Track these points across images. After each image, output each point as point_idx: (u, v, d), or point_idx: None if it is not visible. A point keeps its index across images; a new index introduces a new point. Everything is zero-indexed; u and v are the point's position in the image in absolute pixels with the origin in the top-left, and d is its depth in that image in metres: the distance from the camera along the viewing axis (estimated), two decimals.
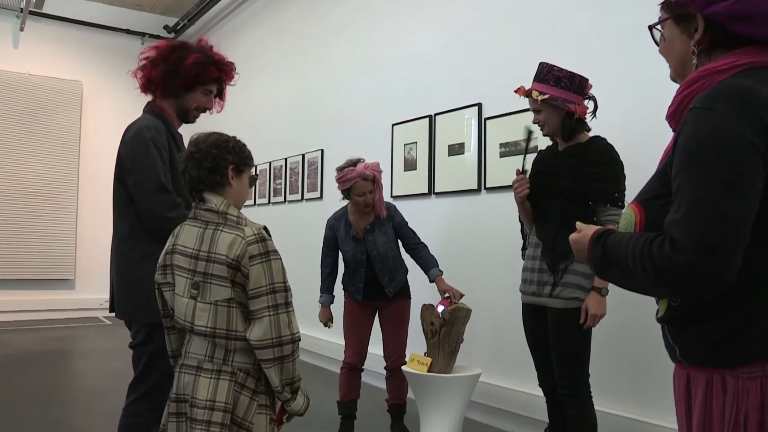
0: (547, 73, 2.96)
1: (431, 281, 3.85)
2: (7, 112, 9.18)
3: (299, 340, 2.09)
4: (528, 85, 3.04)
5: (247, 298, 2.03)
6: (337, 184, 3.96)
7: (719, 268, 1.19)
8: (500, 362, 4.25)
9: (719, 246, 1.19)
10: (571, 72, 2.96)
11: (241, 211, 2.17)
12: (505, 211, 4.17)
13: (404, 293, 4.02)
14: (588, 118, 3.02)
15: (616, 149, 2.95)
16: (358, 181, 3.82)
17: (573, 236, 1.53)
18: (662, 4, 1.48)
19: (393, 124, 5.47)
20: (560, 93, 2.92)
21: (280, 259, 2.09)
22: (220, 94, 2.97)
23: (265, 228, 2.11)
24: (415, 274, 4.09)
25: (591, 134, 3.06)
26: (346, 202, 4.02)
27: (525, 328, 3.12)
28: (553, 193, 2.97)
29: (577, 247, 1.50)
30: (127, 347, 2.67)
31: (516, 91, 3.09)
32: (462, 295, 3.70)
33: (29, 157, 9.27)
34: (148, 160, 2.57)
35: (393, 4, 5.70)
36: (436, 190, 4.95)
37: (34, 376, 5.70)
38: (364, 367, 4.00)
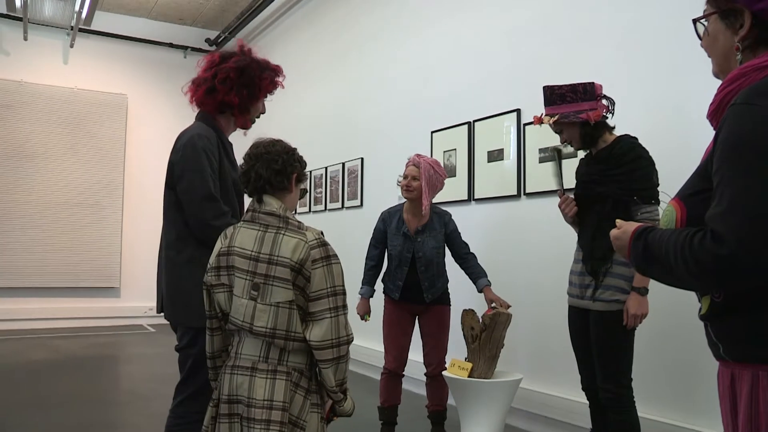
0: (551, 96, 3.08)
1: (479, 291, 3.86)
2: (56, 125, 9.48)
3: (352, 341, 2.15)
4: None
5: (305, 300, 2.08)
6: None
7: (761, 261, 1.20)
8: (542, 368, 4.23)
9: (762, 240, 1.19)
10: (570, 85, 3.04)
11: None
12: (545, 216, 4.17)
13: (444, 300, 4.03)
14: (608, 118, 3.05)
15: (646, 147, 2.96)
16: (409, 165, 3.95)
17: (614, 232, 1.54)
18: None
19: (432, 131, 5.50)
20: (568, 107, 3.00)
21: (340, 263, 2.15)
22: None
23: (321, 233, 2.17)
24: (457, 283, 4.10)
25: (624, 132, 3.09)
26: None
27: (570, 330, 3.14)
28: (588, 200, 3.03)
29: (618, 244, 1.52)
30: (171, 353, 2.74)
31: (533, 123, 3.23)
32: (509, 306, 3.70)
33: (76, 168, 9.56)
34: (198, 168, 2.62)
35: (430, 10, 5.75)
36: (476, 197, 4.97)
37: (82, 379, 5.85)
38: (404, 373, 4.02)
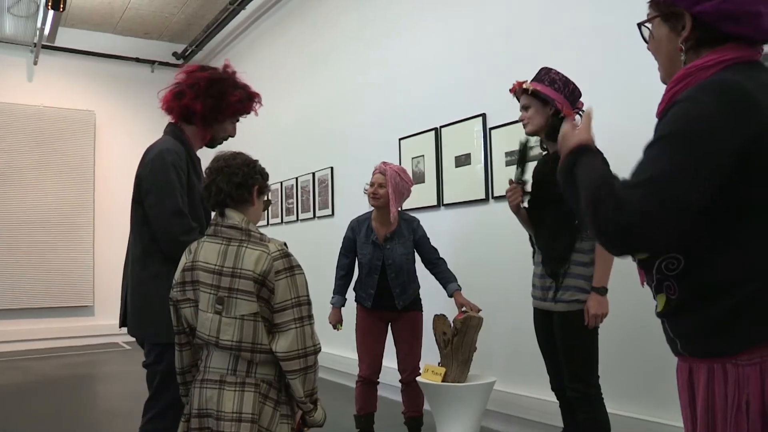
0: (544, 75, 3.05)
1: (450, 296, 3.88)
2: (23, 144, 9.35)
3: (320, 351, 2.16)
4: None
5: (270, 312, 2.09)
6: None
7: (651, 241, 1.28)
8: (515, 369, 4.27)
9: (659, 223, 1.24)
10: (566, 77, 3.02)
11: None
12: (514, 219, 4.19)
13: (416, 306, 4.04)
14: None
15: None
16: (375, 173, 3.98)
17: (565, 129, 1.55)
18: (650, 2, 1.51)
19: (400, 138, 5.53)
20: (551, 93, 2.98)
21: (303, 273, 2.16)
22: None
23: (284, 244, 2.18)
24: (429, 289, 4.12)
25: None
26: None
27: (536, 332, 3.16)
28: (545, 201, 3.03)
29: (561, 142, 1.54)
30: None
31: (511, 90, 3.16)
32: (479, 310, 3.72)
33: (46, 187, 9.43)
34: (166, 183, 2.60)
35: (394, 20, 5.79)
36: (445, 202, 5.00)
37: (57, 401, 5.77)
38: (379, 380, 4.03)
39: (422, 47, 5.39)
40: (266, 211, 8.08)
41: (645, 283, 1.50)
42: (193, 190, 2.70)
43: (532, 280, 3.16)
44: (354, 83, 6.39)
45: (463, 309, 3.70)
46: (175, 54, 10.46)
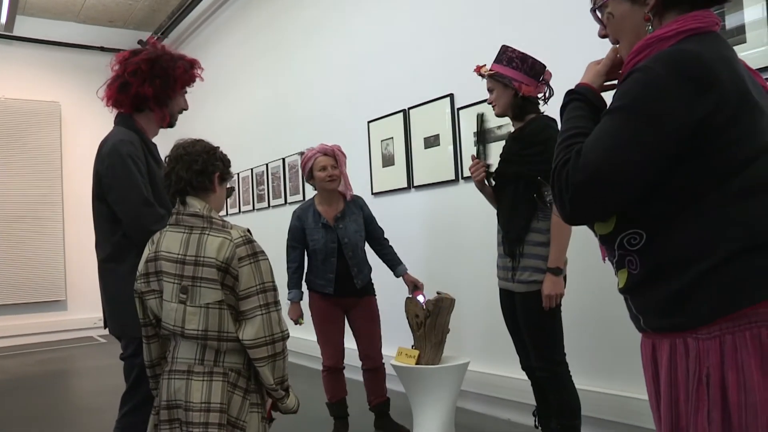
0: (502, 54, 3.03)
1: (398, 276, 3.91)
2: None
3: (288, 337, 2.14)
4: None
5: (236, 299, 2.06)
6: (300, 172, 3.96)
7: (599, 203, 1.33)
8: (489, 349, 4.29)
9: (608, 186, 1.30)
10: (524, 53, 2.99)
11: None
12: (483, 200, 4.20)
13: (370, 290, 4.01)
14: (540, 103, 3.07)
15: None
16: (318, 156, 3.87)
17: (589, 64, 1.60)
18: None
19: (368, 121, 5.50)
20: (510, 72, 2.97)
21: (267, 259, 2.13)
22: None
23: (248, 230, 2.15)
24: (377, 271, 4.11)
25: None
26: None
27: (503, 312, 3.18)
28: (505, 179, 3.05)
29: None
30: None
31: (474, 70, 3.15)
32: (422, 284, 3.81)
33: (12, 181, 9.24)
34: (127, 176, 2.56)
35: (360, 1, 5.72)
36: (415, 184, 4.99)
37: (31, 398, 5.69)
38: (345, 364, 4.00)
39: (388, 27, 5.34)
40: (238, 199, 8.00)
41: (606, 259, 1.49)
42: (155, 177, 2.65)
43: (496, 261, 3.17)
44: (321, 66, 6.32)
45: (437, 291, 3.70)
46: (140, 42, 10.23)
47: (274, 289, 2.11)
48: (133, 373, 2.60)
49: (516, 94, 2.97)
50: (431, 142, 4.80)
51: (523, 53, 2.99)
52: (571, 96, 1.52)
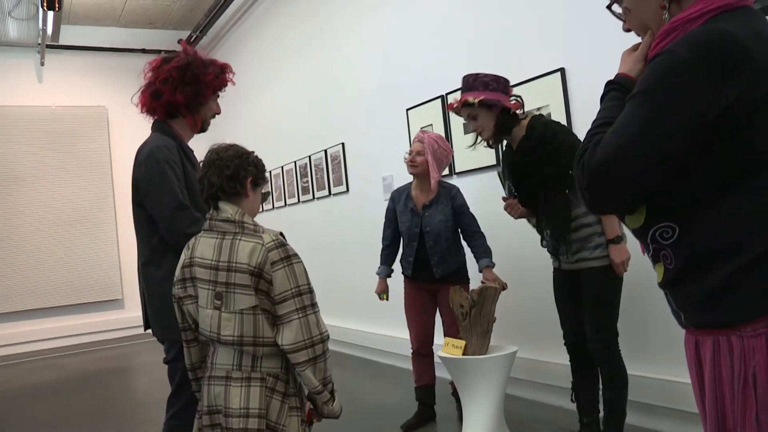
0: (474, 82, 3.18)
1: (480, 271, 3.85)
2: (39, 145, 9.44)
3: (328, 338, 2.11)
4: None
5: (272, 303, 2.04)
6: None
7: (621, 187, 1.26)
8: (538, 336, 4.21)
9: (617, 174, 1.25)
10: (495, 75, 3.16)
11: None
12: None
13: (460, 278, 3.97)
14: (519, 112, 3.21)
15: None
16: (414, 142, 4.00)
17: (624, 53, 1.50)
18: None
19: (407, 109, 5.44)
20: (490, 95, 3.11)
21: (302, 261, 2.11)
22: None
23: (281, 233, 2.13)
24: (472, 261, 4.05)
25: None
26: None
27: (556, 291, 3.31)
28: (529, 191, 3.16)
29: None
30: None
31: (449, 107, 3.31)
32: (504, 288, 3.69)
33: (65, 185, 9.53)
34: (163, 180, 2.59)
35: None
36: (456, 170, 4.91)
37: (93, 395, 5.89)
38: (433, 353, 3.99)
39: (424, 14, 5.26)
40: (283, 192, 8.05)
41: (644, 253, 1.42)
42: (191, 180, 2.67)
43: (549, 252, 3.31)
44: (358, 55, 6.28)
45: (482, 280, 3.65)
46: (180, 41, 10.40)
47: (310, 291, 2.08)
48: (177, 377, 2.63)
49: (503, 112, 3.13)
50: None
51: (494, 75, 3.17)
52: (609, 87, 1.45)
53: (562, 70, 3.92)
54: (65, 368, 7.45)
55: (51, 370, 7.39)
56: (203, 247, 2.13)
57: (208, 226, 2.16)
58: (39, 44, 9.07)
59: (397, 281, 4.21)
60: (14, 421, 5.19)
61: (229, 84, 2.91)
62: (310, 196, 7.43)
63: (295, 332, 2.02)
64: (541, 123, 3.15)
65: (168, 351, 2.69)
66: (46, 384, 6.63)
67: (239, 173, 2.13)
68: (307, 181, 7.44)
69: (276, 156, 8.17)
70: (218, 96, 2.89)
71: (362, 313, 6.27)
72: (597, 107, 1.45)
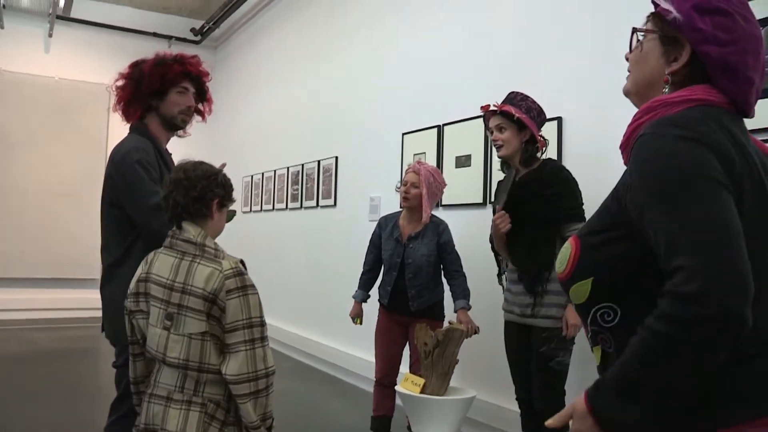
0: (520, 100, 3.16)
1: (455, 311, 3.79)
2: (38, 115, 9.39)
3: (273, 374, 2.07)
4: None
5: (222, 331, 2.01)
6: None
7: (742, 287, 1.03)
8: (497, 381, 4.17)
9: (730, 265, 1.03)
10: (540, 107, 3.16)
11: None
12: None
13: (434, 314, 3.92)
14: (540, 152, 3.23)
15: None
16: (408, 172, 3.93)
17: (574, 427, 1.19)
18: (654, 14, 1.38)
19: (403, 133, 5.42)
20: (529, 121, 3.12)
21: (257, 293, 2.07)
22: (203, 96, 2.98)
23: (242, 261, 2.10)
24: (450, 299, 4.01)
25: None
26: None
27: (508, 344, 3.30)
28: (519, 220, 3.10)
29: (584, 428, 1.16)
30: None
31: (483, 108, 3.24)
32: (476, 332, 3.67)
33: (58, 158, 9.47)
34: (137, 182, 2.60)
35: (405, 10, 5.64)
36: (443, 203, 4.88)
37: (46, 372, 5.83)
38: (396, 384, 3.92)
39: (431, 40, 5.25)
40: (273, 196, 8.01)
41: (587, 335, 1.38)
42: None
43: (504, 296, 3.27)
44: (362, 73, 6.27)
45: (449, 321, 3.62)
46: (192, 30, 10.39)
47: (262, 324, 2.05)
48: (123, 383, 2.60)
49: (530, 141, 3.13)
50: (462, 161, 4.69)
51: (540, 106, 3.16)
52: (597, 387, 1.17)
53: (559, 119, 3.90)
54: (30, 342, 7.39)
55: (20, 343, 7.33)
56: (161, 264, 2.10)
57: (168, 243, 2.12)
58: (50, 14, 9.02)
59: (372, 306, 4.18)
60: None
61: (201, 76, 2.92)
62: (297, 204, 7.40)
63: (240, 363, 1.98)
64: (557, 164, 3.23)
65: (118, 356, 2.67)
66: (13, 356, 6.58)
67: (206, 195, 2.09)
68: (297, 189, 7.41)
69: (270, 159, 8.14)
70: (185, 89, 2.85)
71: (336, 330, 6.23)
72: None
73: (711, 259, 1.03)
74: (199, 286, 1.99)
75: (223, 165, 2.67)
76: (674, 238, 1.08)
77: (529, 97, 3.18)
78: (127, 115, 2.83)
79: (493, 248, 3.41)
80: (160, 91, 2.80)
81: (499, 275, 3.46)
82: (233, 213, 2.33)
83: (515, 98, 3.19)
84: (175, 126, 2.89)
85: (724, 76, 1.26)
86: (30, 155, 9.31)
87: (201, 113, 3.05)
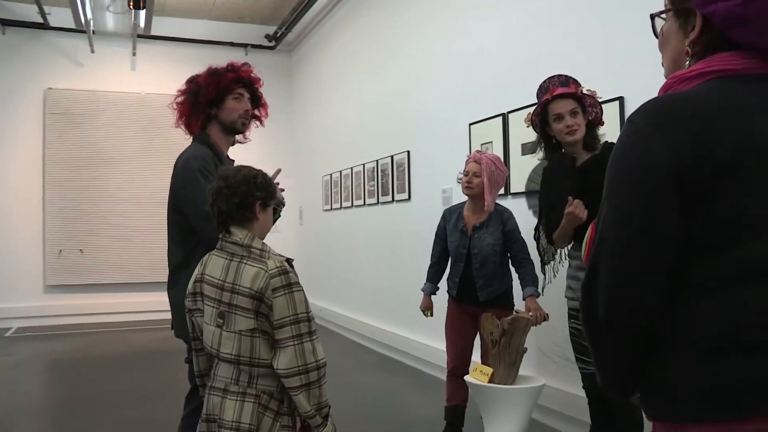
0: (573, 82, 3.15)
1: (523, 299, 3.76)
2: (128, 130, 9.95)
3: (324, 365, 2.15)
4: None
5: (271, 327, 2.10)
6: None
7: (640, 307, 1.20)
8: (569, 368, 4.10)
9: (626, 283, 1.19)
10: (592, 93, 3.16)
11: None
12: None
13: (504, 303, 3.89)
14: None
15: None
16: (469, 162, 3.90)
17: None
18: None
19: (470, 124, 5.39)
20: (597, 104, 3.15)
21: (302, 290, 2.15)
22: (256, 101, 3.08)
23: (288, 260, 2.18)
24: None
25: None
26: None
27: (572, 332, 3.23)
28: (590, 207, 2.90)
29: None
30: None
31: (552, 91, 3.15)
32: (545, 319, 3.62)
33: (150, 169, 9.94)
34: (195, 190, 2.70)
35: (468, 2, 5.61)
36: (512, 191, 4.84)
37: (145, 374, 6.18)
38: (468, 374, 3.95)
39: (494, 27, 5.20)
40: (351, 193, 8.13)
41: None
42: None
43: (568, 283, 3.15)
44: (429, 65, 6.27)
45: (530, 314, 3.57)
46: (267, 36, 10.67)
47: (308, 319, 2.12)
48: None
49: (592, 125, 3.10)
50: (528, 148, 4.63)
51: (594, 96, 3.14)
52: None
53: (621, 99, 3.79)
54: (129, 343, 7.88)
55: (121, 343, 7.83)
56: (213, 265, 2.21)
57: (220, 245, 2.23)
58: (132, 35, 9.51)
59: (442, 298, 4.19)
60: (92, 388, 5.53)
61: (245, 76, 3.02)
62: (374, 200, 7.49)
63: (289, 358, 2.07)
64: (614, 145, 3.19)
65: (189, 351, 2.80)
66: (118, 356, 7.05)
67: (247, 200, 2.18)
68: (373, 185, 7.50)
69: (347, 156, 8.28)
70: (240, 95, 2.96)
71: (413, 322, 6.28)
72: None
73: (610, 294, 1.22)
74: (246, 285, 2.08)
75: (278, 171, 2.77)
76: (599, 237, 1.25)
77: (588, 90, 3.14)
78: (189, 128, 2.97)
79: (536, 237, 3.35)
80: (217, 99, 2.93)
81: (545, 264, 3.37)
82: (279, 211, 2.41)
83: (567, 81, 3.13)
84: (236, 130, 3.01)
85: (737, 31, 1.21)
86: (123, 168, 9.90)
87: (258, 118, 3.16)
